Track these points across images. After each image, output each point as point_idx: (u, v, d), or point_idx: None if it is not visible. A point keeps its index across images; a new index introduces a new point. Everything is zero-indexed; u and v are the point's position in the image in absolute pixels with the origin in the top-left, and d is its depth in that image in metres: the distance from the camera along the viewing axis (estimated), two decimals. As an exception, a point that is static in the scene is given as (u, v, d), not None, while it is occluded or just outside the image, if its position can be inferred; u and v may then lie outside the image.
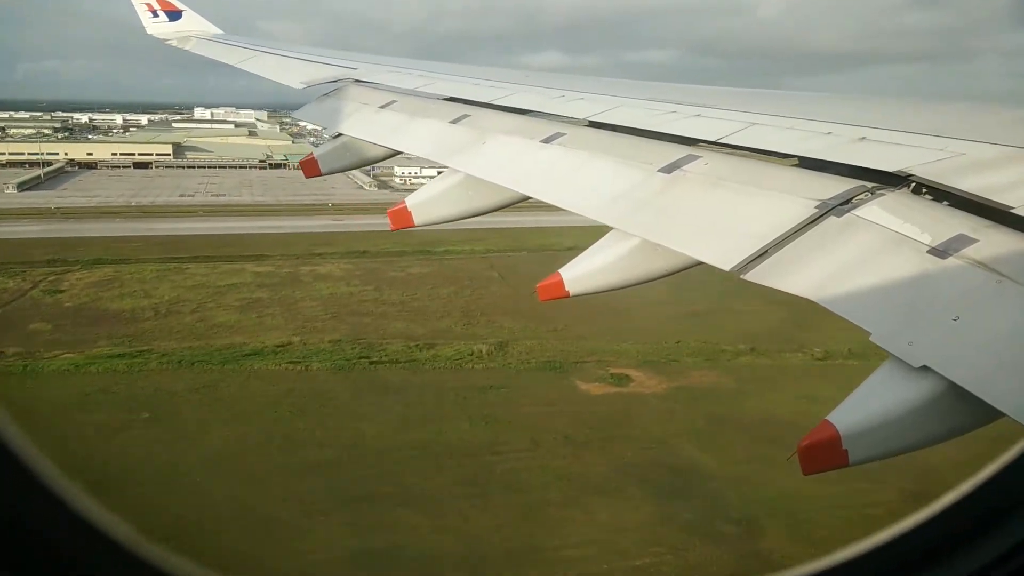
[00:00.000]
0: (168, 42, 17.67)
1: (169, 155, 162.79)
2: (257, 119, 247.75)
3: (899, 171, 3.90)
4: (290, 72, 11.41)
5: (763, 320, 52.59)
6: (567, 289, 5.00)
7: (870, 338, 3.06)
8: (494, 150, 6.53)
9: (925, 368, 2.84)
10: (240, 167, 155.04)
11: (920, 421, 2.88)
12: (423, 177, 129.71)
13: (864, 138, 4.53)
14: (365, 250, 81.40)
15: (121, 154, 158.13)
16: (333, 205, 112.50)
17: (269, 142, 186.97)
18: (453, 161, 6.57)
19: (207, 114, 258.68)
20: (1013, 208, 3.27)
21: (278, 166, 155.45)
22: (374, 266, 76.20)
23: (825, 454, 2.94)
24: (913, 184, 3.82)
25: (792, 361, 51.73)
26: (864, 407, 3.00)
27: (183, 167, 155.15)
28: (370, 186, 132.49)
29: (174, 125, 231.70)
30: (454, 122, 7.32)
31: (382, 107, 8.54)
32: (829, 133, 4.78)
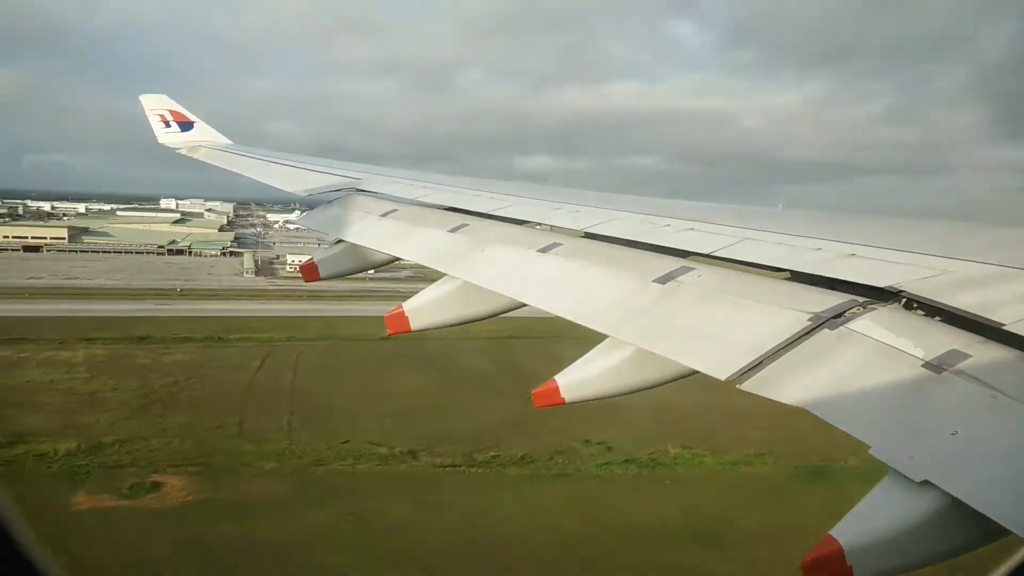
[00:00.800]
0: (179, 151, 18.27)
1: (64, 239, 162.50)
2: (212, 211, 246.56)
3: (890, 287, 3.97)
4: (295, 181, 11.77)
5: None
6: (563, 396, 4.98)
7: (870, 451, 3.03)
8: (492, 258, 6.64)
9: (927, 483, 2.80)
10: (137, 252, 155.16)
11: (925, 536, 2.82)
12: None
13: (854, 254, 4.63)
14: (146, 335, 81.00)
15: (14, 237, 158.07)
16: (182, 291, 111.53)
17: (193, 230, 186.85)
18: (452, 268, 6.67)
19: (172, 204, 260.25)
20: (1004, 325, 3.32)
21: (179, 252, 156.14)
22: (134, 352, 75.53)
23: (829, 569, 2.85)
24: (904, 299, 3.88)
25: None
26: (867, 521, 2.94)
27: (75, 251, 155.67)
28: (248, 273, 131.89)
29: (118, 213, 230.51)
30: (453, 231, 7.47)
31: (383, 215, 8.74)
32: (820, 249, 4.89)
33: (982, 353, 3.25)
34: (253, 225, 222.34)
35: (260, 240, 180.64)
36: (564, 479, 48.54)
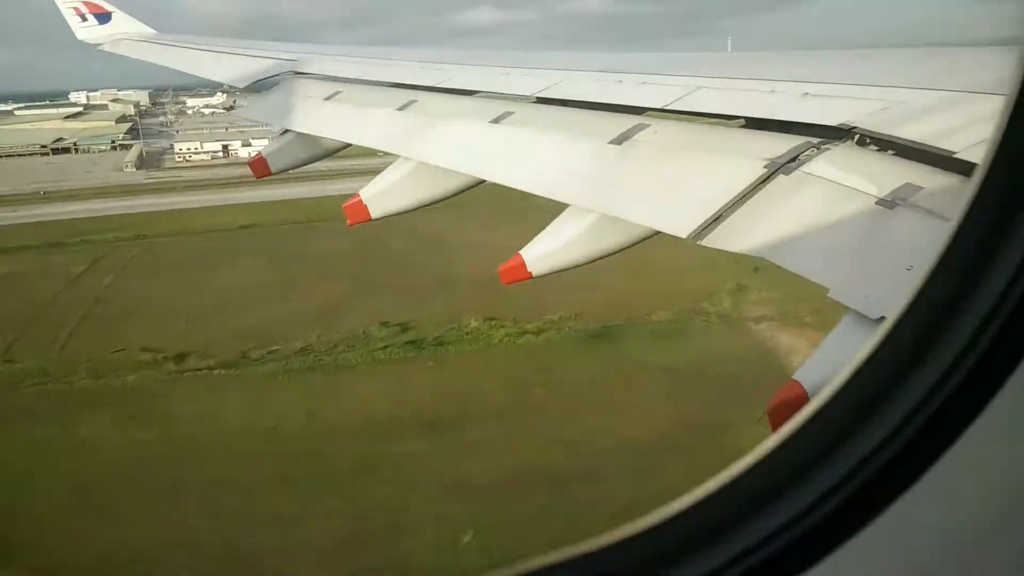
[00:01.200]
0: (100, 47, 17.12)
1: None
2: (119, 100, 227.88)
3: (842, 124, 3.95)
4: (228, 69, 11.15)
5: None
6: (529, 270, 5.01)
7: (828, 294, 3.11)
8: (444, 135, 6.47)
9: (883, 319, 2.89)
10: (19, 155, 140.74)
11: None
12: (204, 152, 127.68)
13: (807, 94, 4.57)
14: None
15: None
16: (44, 193, 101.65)
17: (89, 124, 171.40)
18: (404, 150, 6.50)
19: (83, 97, 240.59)
20: (955, 152, 3.33)
21: (64, 151, 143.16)
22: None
23: (794, 412, 2.98)
24: (857, 136, 3.87)
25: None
26: (828, 363, 3.05)
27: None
28: (128, 167, 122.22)
29: (16, 113, 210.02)
30: (401, 109, 7.22)
31: (327, 99, 8.39)
32: (773, 92, 4.82)
33: (935, 183, 3.28)
34: (165, 114, 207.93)
35: (164, 130, 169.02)
36: (321, 371, 43.01)
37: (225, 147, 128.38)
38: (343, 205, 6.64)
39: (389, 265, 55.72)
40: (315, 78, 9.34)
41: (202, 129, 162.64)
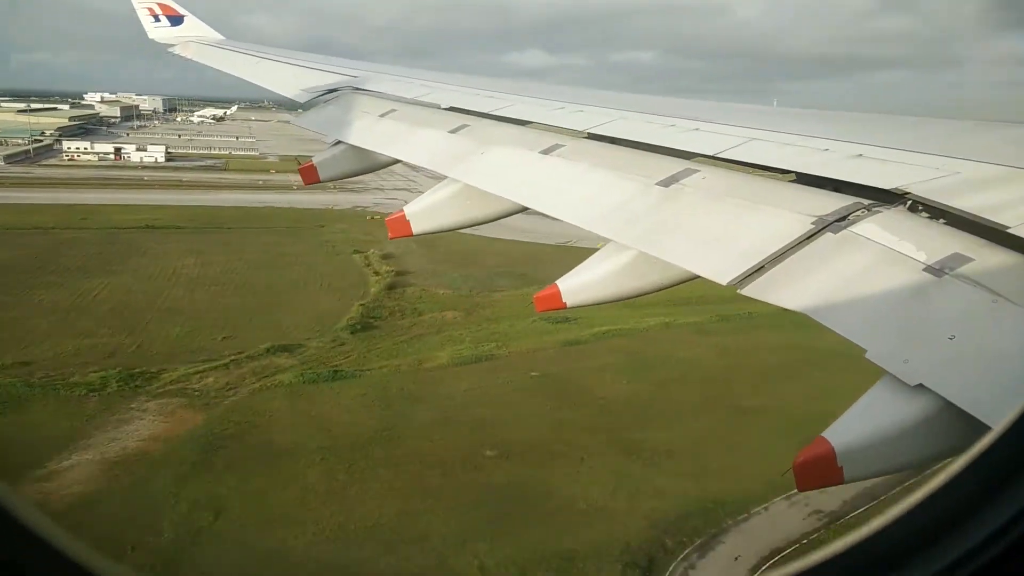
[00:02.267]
0: (170, 48, 17.69)
1: None
2: (107, 102, 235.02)
3: (895, 188, 3.92)
4: (291, 81, 11.43)
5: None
6: (564, 300, 5.01)
7: (866, 355, 3.07)
8: (493, 160, 6.54)
9: (921, 386, 2.84)
10: None
11: (916, 440, 2.88)
12: (92, 153, 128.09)
13: (861, 155, 4.55)
14: None
15: None
16: None
17: (42, 119, 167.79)
18: (453, 171, 6.58)
19: (97, 98, 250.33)
20: (1009, 228, 3.29)
21: None
22: None
23: (820, 471, 2.93)
24: (909, 202, 3.83)
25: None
26: (860, 424, 3.00)
27: None
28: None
29: None
30: (454, 132, 7.33)
31: (382, 115, 8.55)
32: (826, 150, 4.80)
33: (985, 257, 3.23)
34: (149, 117, 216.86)
35: (116, 133, 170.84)
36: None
37: (117, 150, 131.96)
38: (386, 219, 6.73)
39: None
40: (373, 95, 9.54)
41: (155, 135, 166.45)
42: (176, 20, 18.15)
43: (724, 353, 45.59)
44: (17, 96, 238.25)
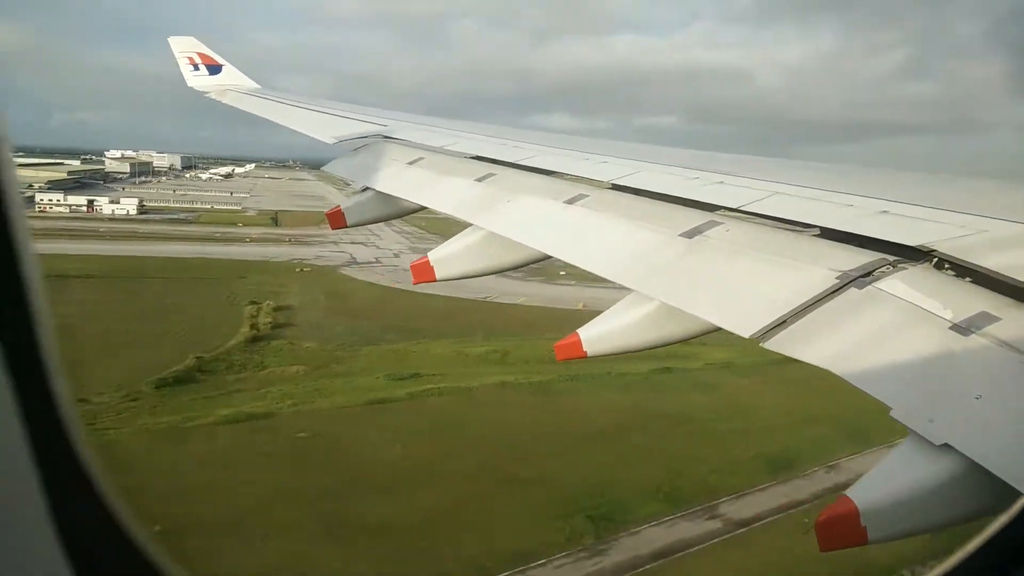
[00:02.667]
0: (207, 95, 18.22)
1: None
2: (117, 158, 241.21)
3: (921, 245, 3.90)
4: (321, 127, 11.70)
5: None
6: (585, 349, 5.01)
7: (891, 414, 3.02)
8: (518, 209, 6.61)
9: (947, 446, 2.79)
10: None
11: (941, 500, 2.82)
12: (64, 205, 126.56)
13: (886, 211, 4.54)
14: None
15: None
16: None
17: (39, 173, 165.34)
18: (477, 218, 6.65)
19: (118, 155, 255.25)
20: None
21: None
22: None
23: (843, 530, 2.88)
24: (935, 259, 3.81)
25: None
26: (884, 484, 2.96)
27: None
28: None
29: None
30: (479, 180, 7.43)
31: (410, 163, 8.71)
32: (851, 205, 4.80)
33: (1012, 316, 3.19)
34: (161, 175, 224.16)
35: (112, 187, 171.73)
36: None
37: (91, 202, 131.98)
38: (410, 264, 6.80)
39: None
40: (402, 144, 9.73)
41: (151, 190, 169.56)
42: (215, 69, 18.73)
43: (545, 415, 42.44)
44: (53, 153, 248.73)
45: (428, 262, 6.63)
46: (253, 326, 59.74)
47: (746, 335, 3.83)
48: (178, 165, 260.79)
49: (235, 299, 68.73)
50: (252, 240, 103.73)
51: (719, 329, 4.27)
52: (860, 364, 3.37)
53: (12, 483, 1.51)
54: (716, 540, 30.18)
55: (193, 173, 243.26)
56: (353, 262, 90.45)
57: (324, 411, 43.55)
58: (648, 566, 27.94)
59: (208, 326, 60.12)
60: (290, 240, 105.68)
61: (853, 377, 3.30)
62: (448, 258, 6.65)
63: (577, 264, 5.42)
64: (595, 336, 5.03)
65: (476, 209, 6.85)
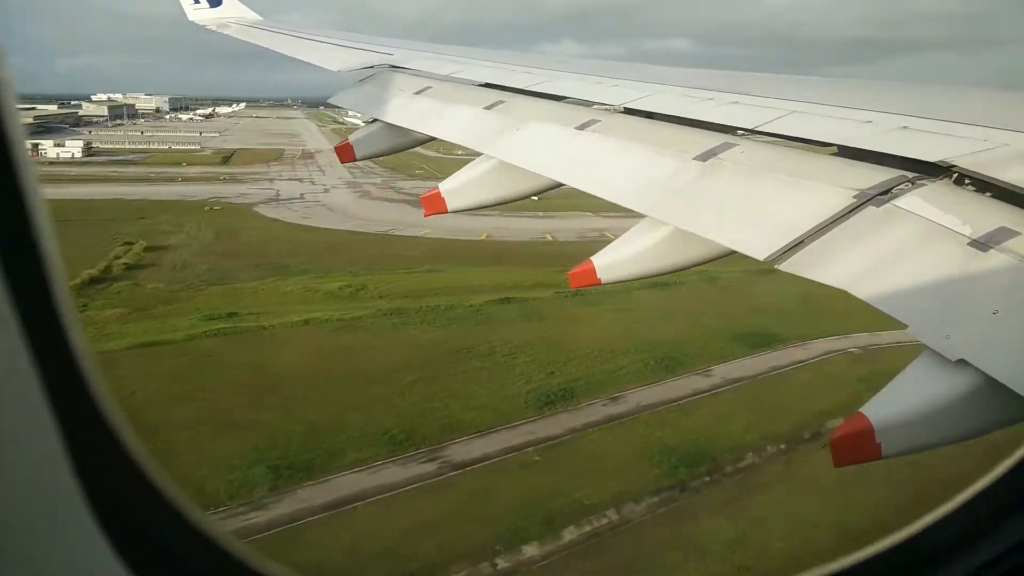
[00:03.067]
0: (208, 28, 17.89)
1: None
2: (97, 102, 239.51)
3: (941, 161, 3.83)
4: (327, 57, 11.50)
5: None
6: (599, 276, 5.01)
7: (907, 331, 3.03)
8: (528, 137, 6.52)
9: (962, 362, 2.80)
10: None
11: (956, 415, 2.85)
12: None
13: (906, 127, 4.45)
14: None
15: None
16: None
17: None
18: (487, 148, 6.58)
19: (103, 97, 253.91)
20: None
21: None
22: None
23: (858, 446, 2.92)
24: (955, 175, 3.75)
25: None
26: (899, 400, 2.98)
27: None
28: None
29: None
30: (488, 108, 7.32)
31: (417, 93, 8.57)
32: (869, 122, 4.70)
33: None
34: (139, 117, 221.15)
35: (75, 128, 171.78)
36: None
37: (35, 146, 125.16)
38: (421, 197, 6.77)
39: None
40: (409, 73, 9.55)
41: (117, 133, 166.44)
42: (215, 2, 18.31)
43: (330, 353, 37.43)
44: (60, 99, 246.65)
45: (439, 193, 6.59)
46: (106, 268, 54.41)
47: (761, 258, 3.82)
48: (166, 107, 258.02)
49: (117, 240, 62.60)
50: (184, 180, 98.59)
51: (733, 252, 4.25)
52: (877, 283, 3.36)
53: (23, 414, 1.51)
54: (415, 486, 25.97)
55: (173, 115, 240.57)
56: (275, 199, 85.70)
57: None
58: (310, 519, 23.88)
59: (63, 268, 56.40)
60: (224, 178, 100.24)
61: (870, 296, 3.29)
62: (459, 189, 6.61)
63: (589, 191, 5.38)
64: (609, 263, 5.02)
65: (486, 138, 6.76)
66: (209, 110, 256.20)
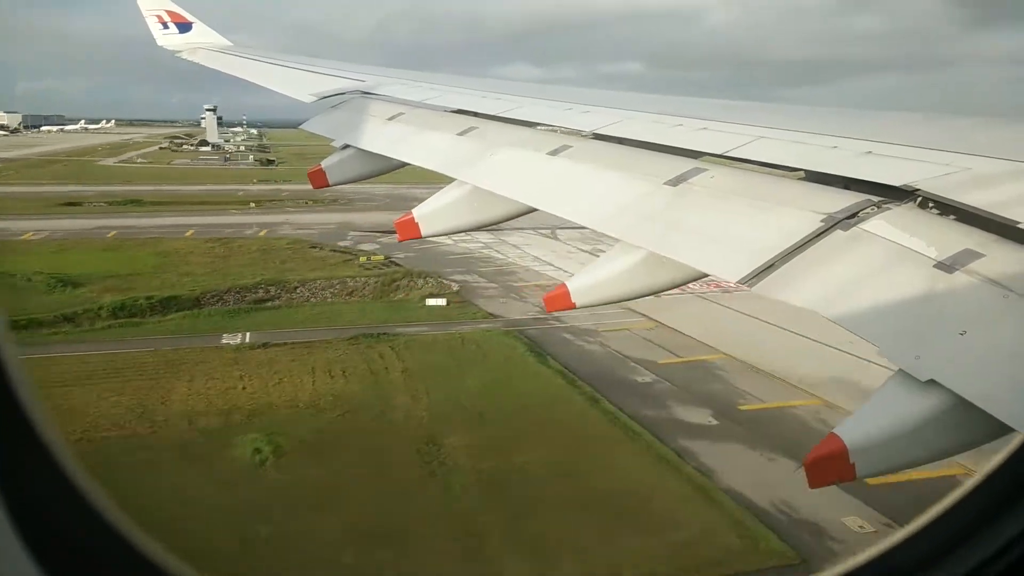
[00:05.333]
0: (178, 54, 17.78)
1: None
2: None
3: (905, 185, 3.91)
4: (298, 85, 11.48)
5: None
6: (573, 300, 5.03)
7: (877, 351, 3.07)
8: (501, 162, 6.57)
9: (932, 382, 2.85)
10: None
11: (928, 435, 2.89)
12: None
13: (870, 152, 4.55)
14: None
15: None
16: None
17: None
18: (461, 173, 6.60)
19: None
20: (1020, 223, 3.28)
21: None
22: None
23: (832, 467, 2.94)
24: (919, 199, 3.83)
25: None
26: (872, 420, 3.02)
27: None
28: None
29: None
30: (461, 134, 7.36)
31: (390, 119, 8.60)
32: (835, 147, 4.80)
33: (996, 252, 3.22)
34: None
35: None
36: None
37: None
38: (394, 221, 6.76)
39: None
40: (381, 99, 9.59)
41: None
42: (184, 27, 18.23)
43: None
44: None
45: (413, 219, 6.60)
46: None
47: (734, 280, 3.86)
48: (13, 124, 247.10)
49: None
50: None
51: (706, 275, 4.30)
52: (846, 305, 3.40)
53: None
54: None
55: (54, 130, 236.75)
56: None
57: None
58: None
59: None
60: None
61: (840, 318, 3.34)
62: (432, 214, 6.62)
63: (562, 215, 5.41)
64: (582, 287, 5.04)
65: (459, 164, 6.79)
66: (17, 123, 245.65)
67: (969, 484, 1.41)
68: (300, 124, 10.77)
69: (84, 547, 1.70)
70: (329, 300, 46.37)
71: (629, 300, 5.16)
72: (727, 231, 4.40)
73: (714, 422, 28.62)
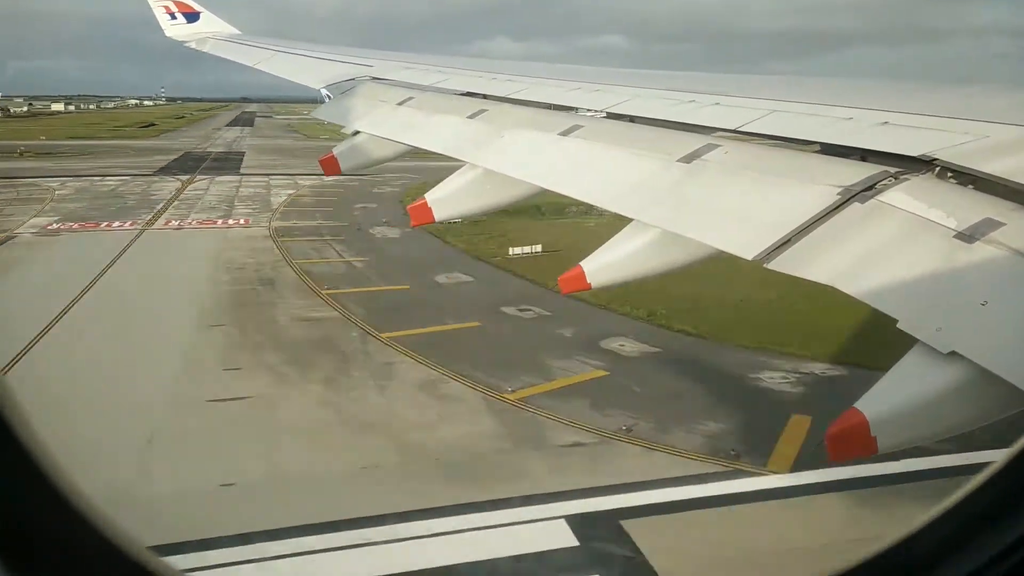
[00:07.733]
0: (187, 44, 17.79)
1: None
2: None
3: (923, 155, 3.85)
4: (308, 72, 11.48)
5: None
6: (589, 281, 5.01)
7: (898, 325, 3.04)
8: (512, 144, 6.53)
9: (954, 354, 2.81)
10: None
11: (949, 407, 2.86)
12: None
13: (887, 123, 4.48)
14: None
15: None
16: None
17: None
18: (472, 156, 6.58)
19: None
20: None
21: None
22: None
23: (854, 441, 2.93)
24: (938, 168, 3.77)
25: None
26: (893, 394, 2.99)
27: None
28: None
29: None
30: (472, 117, 7.32)
31: (400, 104, 8.56)
32: (851, 119, 4.74)
33: (1016, 220, 3.16)
34: None
35: None
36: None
37: None
38: (408, 207, 6.75)
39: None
40: (390, 84, 9.55)
41: None
42: (192, 17, 18.22)
43: None
44: None
45: (426, 203, 6.59)
46: None
47: (749, 257, 3.82)
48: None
49: None
50: None
51: (722, 253, 4.26)
52: (865, 279, 3.37)
53: None
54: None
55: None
56: None
57: None
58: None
59: None
60: None
61: (859, 292, 3.30)
62: (445, 198, 6.60)
63: (574, 196, 5.39)
64: (598, 267, 5.03)
65: (470, 147, 6.76)
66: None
67: (971, 484, 1.39)
68: (306, 100, 10.75)
69: (66, 548, 1.70)
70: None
71: (646, 279, 5.14)
72: (742, 207, 4.35)
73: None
